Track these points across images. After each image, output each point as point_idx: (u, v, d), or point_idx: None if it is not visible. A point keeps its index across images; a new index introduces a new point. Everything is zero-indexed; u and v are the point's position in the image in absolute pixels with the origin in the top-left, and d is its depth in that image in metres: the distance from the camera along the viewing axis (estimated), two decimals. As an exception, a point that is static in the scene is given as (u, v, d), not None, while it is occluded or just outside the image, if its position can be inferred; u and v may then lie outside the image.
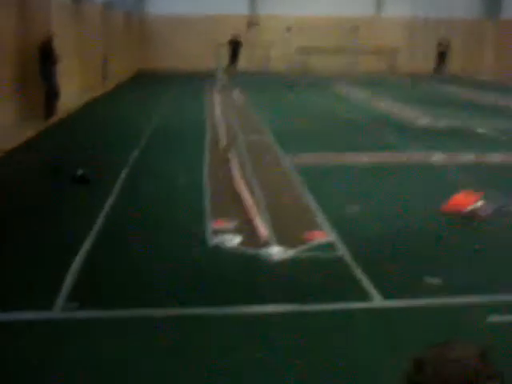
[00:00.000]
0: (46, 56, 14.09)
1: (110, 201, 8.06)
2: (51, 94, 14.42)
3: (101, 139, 12.57)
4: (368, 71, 31.02)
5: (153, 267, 5.95)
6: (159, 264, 6.03)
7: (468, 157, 10.97)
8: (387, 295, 5.35)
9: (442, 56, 32.64)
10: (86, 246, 6.41)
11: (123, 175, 9.44)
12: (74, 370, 4.15)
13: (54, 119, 14.42)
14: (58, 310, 4.98)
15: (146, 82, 25.10)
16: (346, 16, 32.00)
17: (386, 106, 18.27)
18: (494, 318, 4.95)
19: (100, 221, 7.24)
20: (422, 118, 15.63)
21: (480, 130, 14.03)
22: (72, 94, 16.88)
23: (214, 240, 6.56)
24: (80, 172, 8.98)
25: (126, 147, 11.50)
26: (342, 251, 6.33)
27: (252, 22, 32.08)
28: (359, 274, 5.78)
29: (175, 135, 13.07)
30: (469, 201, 7.65)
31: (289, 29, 31.71)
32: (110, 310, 5.04)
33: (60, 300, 5.14)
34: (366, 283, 5.57)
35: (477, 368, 1.36)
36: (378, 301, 5.27)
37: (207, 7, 30.85)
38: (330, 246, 6.47)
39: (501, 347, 4.51)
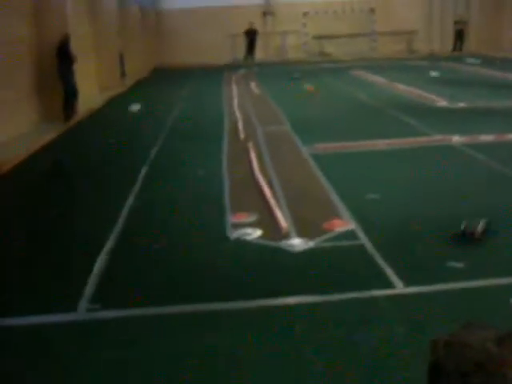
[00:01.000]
0: (63, 56, 14.20)
1: (130, 198, 8.12)
2: (70, 95, 14.53)
3: (121, 137, 12.65)
4: (386, 54, 30.80)
5: (172, 264, 5.99)
6: (178, 260, 6.07)
7: (489, 137, 10.86)
8: (409, 282, 5.34)
9: (459, 35, 32.30)
10: (109, 245, 6.47)
11: (143, 171, 9.51)
12: (103, 370, 4.21)
13: (75, 120, 14.53)
14: (83, 312, 5.05)
15: (163, 77, 25.16)
16: (362, -1, 31.81)
17: (406, 88, 18.13)
18: (518, 301, 4.93)
19: (121, 219, 7.30)
20: (441, 100, 15.49)
21: (501, 109, 13.89)
22: (91, 93, 16.98)
23: (234, 234, 6.59)
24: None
25: (146, 143, 11.58)
26: (363, 239, 6.32)
27: (267, 11, 31.97)
28: (381, 261, 5.77)
29: (194, 128, 13.13)
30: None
31: (265, 14, 31.53)
32: (134, 309, 5.08)
33: (83, 301, 5.20)
34: (388, 270, 5.56)
35: (490, 353, 1.35)
36: (400, 288, 5.26)
37: (222, -1, 30.87)
38: (350, 235, 6.46)
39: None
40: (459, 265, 5.64)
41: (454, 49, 32.18)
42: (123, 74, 22.48)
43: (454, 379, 1.33)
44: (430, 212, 7.19)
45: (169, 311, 5.03)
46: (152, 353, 4.39)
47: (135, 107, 16.09)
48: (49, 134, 12.78)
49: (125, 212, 7.59)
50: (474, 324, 1.49)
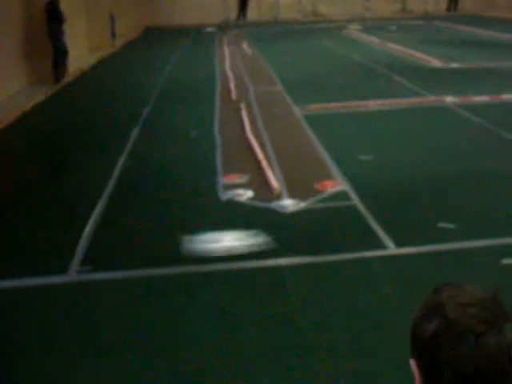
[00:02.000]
0: (53, 16, 13.98)
1: (122, 159, 8.07)
2: (60, 55, 14.34)
3: (112, 98, 12.53)
4: (380, 14, 30.48)
5: (164, 225, 5.98)
6: (170, 222, 6.05)
7: (482, 97, 10.81)
8: (401, 242, 5.34)
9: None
10: (100, 206, 6.44)
11: (135, 132, 9.44)
12: (94, 331, 4.22)
13: (65, 81, 14.37)
14: (74, 273, 5.04)
15: (154, 38, 24.87)
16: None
17: (399, 48, 17.98)
18: (508, 261, 4.93)
19: (112, 181, 7.25)
20: (435, 60, 15.37)
21: (495, 70, 13.81)
22: (81, 54, 16.78)
23: (226, 195, 6.57)
24: None
25: (138, 104, 11.48)
26: (355, 200, 6.30)
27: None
28: (372, 222, 5.76)
29: (186, 89, 13.01)
30: None
31: None
32: (125, 271, 5.08)
33: (74, 263, 5.19)
34: (380, 231, 5.56)
35: (493, 310, 1.33)
36: (391, 248, 5.27)
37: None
38: (342, 196, 6.45)
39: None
40: (450, 225, 5.64)
41: (449, 8, 31.88)
42: (114, 35, 22.18)
43: (470, 340, 1.31)
44: (422, 173, 7.17)
45: (160, 272, 5.02)
46: (144, 313, 4.40)
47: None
48: (39, 95, 12.65)
49: (116, 173, 7.54)
50: (460, 283, 1.46)
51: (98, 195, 6.74)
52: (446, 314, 1.30)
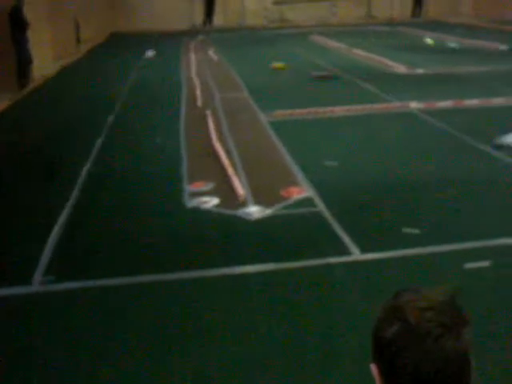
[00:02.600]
0: (16, 22, 13.84)
1: (85, 168, 7.99)
2: (24, 62, 14.20)
3: (77, 106, 12.43)
4: (346, 20, 30.68)
5: (130, 233, 5.93)
6: (136, 229, 6.02)
7: (446, 103, 10.93)
8: (365, 248, 5.37)
9: (418, 0, 32.30)
10: (64, 216, 6.37)
11: (100, 139, 9.36)
12: (54, 343, 4.17)
13: (29, 88, 14.23)
14: (37, 285, 4.97)
15: (120, 44, 24.74)
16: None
17: (365, 55, 18.11)
18: (470, 265, 4.99)
19: (76, 190, 7.18)
20: (400, 66, 15.51)
21: (459, 75, 13.97)
22: (45, 61, 16.62)
23: (192, 202, 6.55)
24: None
25: (103, 111, 11.40)
26: (320, 206, 6.33)
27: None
28: (338, 228, 5.79)
29: (151, 96, 12.95)
30: None
31: None
32: (89, 280, 5.02)
33: (38, 274, 5.12)
34: (344, 237, 5.59)
35: (451, 314, 1.36)
36: (356, 254, 5.29)
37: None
38: (308, 202, 6.47)
39: (476, 292, 4.57)
40: (415, 231, 5.69)
41: (414, 14, 32.20)
42: (79, 41, 22.04)
43: (429, 344, 1.34)
44: (387, 178, 7.22)
45: (126, 282, 4.99)
46: (107, 323, 4.36)
47: (150, 53, 17.03)
48: (3, 102, 12.50)
49: (81, 181, 7.48)
50: (420, 287, 1.49)
51: (61, 204, 6.67)
52: (405, 318, 1.33)
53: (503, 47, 18.65)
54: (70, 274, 5.12)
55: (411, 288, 1.46)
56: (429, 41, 18.55)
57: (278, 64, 16.53)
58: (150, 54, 17.24)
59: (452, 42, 20.28)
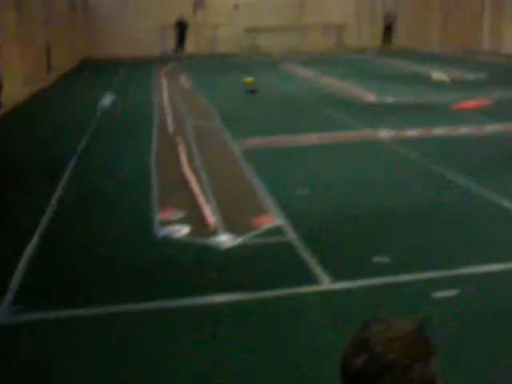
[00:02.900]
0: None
1: (56, 195, 7.93)
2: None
3: (47, 131, 12.35)
4: (317, 48, 31.03)
5: (100, 262, 5.88)
6: (105, 259, 5.97)
7: (415, 131, 11.06)
8: (336, 277, 5.38)
9: (388, 29, 32.80)
10: (32, 245, 6.30)
11: (70, 166, 9.30)
12: (23, 372, 4.10)
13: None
14: (4, 314, 4.90)
15: (92, 69, 24.71)
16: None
17: (334, 83, 18.30)
18: (438, 294, 5.02)
19: (46, 218, 7.11)
20: (370, 94, 15.70)
21: (428, 104, 14.16)
22: (16, 86, 16.52)
23: (162, 231, 6.52)
24: None
25: (73, 138, 11.33)
26: (291, 235, 6.33)
27: (198, 3, 31.74)
28: (308, 257, 5.79)
29: (122, 123, 12.94)
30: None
31: (236, 6, 31.40)
32: (58, 311, 4.96)
33: (5, 303, 5.05)
34: (315, 266, 5.59)
35: (418, 344, 1.36)
36: (326, 283, 5.30)
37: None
38: (278, 231, 6.47)
39: (445, 321, 4.60)
40: (385, 259, 5.72)
41: (383, 43, 32.67)
42: (50, 67, 21.96)
43: (396, 374, 1.34)
44: (358, 207, 7.26)
45: (94, 312, 4.93)
46: (75, 353, 4.30)
47: (107, 100, 14.93)
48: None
49: (50, 208, 7.40)
50: (388, 317, 1.50)
51: (31, 231, 6.59)
52: (372, 348, 1.33)
53: (471, 76, 18.97)
54: (38, 304, 5.06)
55: (379, 318, 1.47)
56: (436, 76, 18.40)
57: (248, 78, 18.52)
58: (107, 99, 15.16)
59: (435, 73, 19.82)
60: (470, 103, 13.79)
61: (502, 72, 20.76)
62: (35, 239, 6.42)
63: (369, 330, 1.42)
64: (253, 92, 16.70)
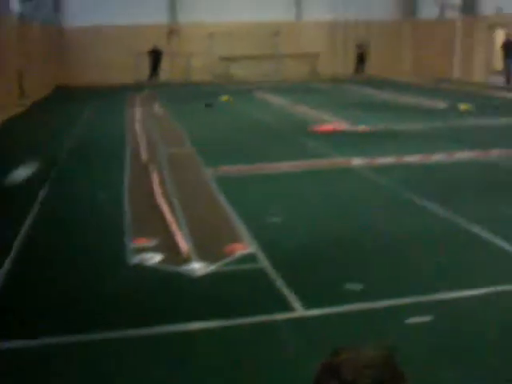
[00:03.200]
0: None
1: (26, 224, 7.85)
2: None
3: (20, 158, 12.25)
4: (290, 77, 31.29)
5: (72, 291, 5.83)
6: (78, 287, 5.92)
7: (387, 159, 11.16)
8: (309, 304, 5.38)
9: (361, 58, 33.21)
10: (3, 271, 6.23)
11: (41, 195, 9.24)
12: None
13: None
14: (-29, 343, 4.83)
15: (65, 97, 24.66)
16: (268, 21, 32.16)
17: (308, 111, 18.44)
18: (412, 320, 5.04)
19: (16, 247, 7.04)
20: (342, 123, 15.83)
21: (400, 132, 14.32)
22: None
23: (134, 259, 6.48)
24: None
25: (46, 166, 11.25)
26: (264, 262, 6.33)
27: (172, 32, 31.90)
28: (281, 284, 5.79)
29: (95, 150, 12.89)
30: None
31: (172, 31, 31.56)
32: (31, 340, 4.90)
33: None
34: (288, 294, 5.59)
35: (388, 371, 1.37)
36: (299, 311, 5.30)
37: (127, 17, 30.49)
38: (251, 258, 6.47)
39: (417, 347, 4.62)
40: (358, 286, 5.73)
41: (356, 72, 33.04)
42: (22, 93, 21.87)
43: None
44: (330, 234, 7.30)
45: (63, 341, 4.87)
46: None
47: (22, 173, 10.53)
48: None
49: (21, 236, 7.34)
50: (359, 345, 1.51)
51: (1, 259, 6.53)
52: (343, 376, 1.33)
53: (442, 105, 19.24)
54: (4, 334, 4.99)
55: (349, 346, 1.48)
56: (464, 107, 18.44)
57: (224, 97, 20.06)
58: (20, 173, 10.44)
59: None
60: (328, 127, 14.97)
61: (471, 101, 21.10)
62: (5, 267, 6.35)
63: (339, 356, 1.42)
64: (209, 105, 19.43)
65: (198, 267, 6.19)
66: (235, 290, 5.77)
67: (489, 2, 27.33)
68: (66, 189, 9.70)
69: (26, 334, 4.99)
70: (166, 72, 31.17)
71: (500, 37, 27.14)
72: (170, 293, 5.76)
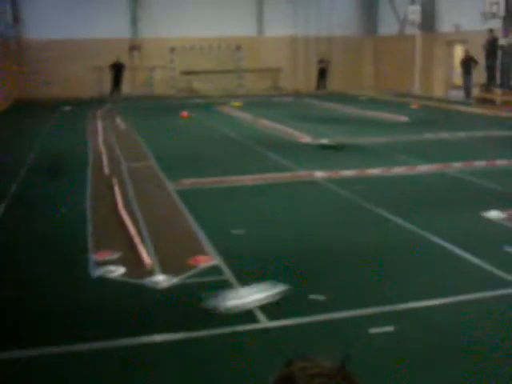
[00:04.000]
0: None
1: (-13, 237, 7.77)
2: None
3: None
4: (252, 91, 31.41)
5: (34, 303, 5.77)
6: (41, 300, 5.85)
7: (349, 172, 11.27)
8: (272, 315, 5.40)
9: (322, 73, 33.49)
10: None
11: (2, 208, 9.12)
12: None
13: None
14: None
15: (25, 111, 24.37)
16: (229, 36, 32.30)
17: (270, 125, 18.52)
18: (375, 330, 5.09)
19: (-24, 260, 6.96)
20: (305, 136, 15.93)
21: (360, 145, 14.46)
22: None
23: (97, 272, 6.43)
24: None
25: (6, 179, 11.13)
26: (227, 274, 6.34)
27: (134, 46, 31.84)
28: (245, 296, 5.80)
29: (56, 164, 12.74)
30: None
31: (132, 47, 31.61)
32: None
33: None
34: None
35: (341, 381, 1.38)
36: (263, 322, 5.31)
37: (88, 31, 30.34)
38: (214, 270, 6.47)
39: (380, 356, 4.66)
40: (321, 297, 5.77)
41: (318, 87, 33.31)
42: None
43: None
44: (292, 245, 7.34)
45: (23, 354, 4.81)
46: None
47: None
48: None
49: (-20, 251, 7.25)
50: (311, 356, 1.53)
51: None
52: None
53: (403, 118, 19.51)
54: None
55: (304, 356, 1.49)
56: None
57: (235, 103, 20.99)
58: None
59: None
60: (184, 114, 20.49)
61: (430, 115, 21.41)
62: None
63: (293, 366, 1.44)
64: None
65: (161, 279, 6.17)
66: (199, 302, 5.76)
67: (447, 19, 27.85)
68: (26, 203, 9.58)
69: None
70: (128, 86, 31.06)
71: (459, 53, 27.65)
72: (133, 305, 5.73)
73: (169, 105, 26.21)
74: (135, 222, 8.16)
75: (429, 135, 15.98)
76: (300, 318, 5.39)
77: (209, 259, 6.76)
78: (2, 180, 11.16)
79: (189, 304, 5.73)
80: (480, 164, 11.90)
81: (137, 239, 7.33)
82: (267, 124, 18.78)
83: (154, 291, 5.98)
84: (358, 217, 8.58)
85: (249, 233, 7.83)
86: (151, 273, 6.36)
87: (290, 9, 33.03)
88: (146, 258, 6.69)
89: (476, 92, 25.53)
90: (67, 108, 24.46)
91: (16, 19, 30.13)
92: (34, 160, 13.30)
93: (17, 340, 5.06)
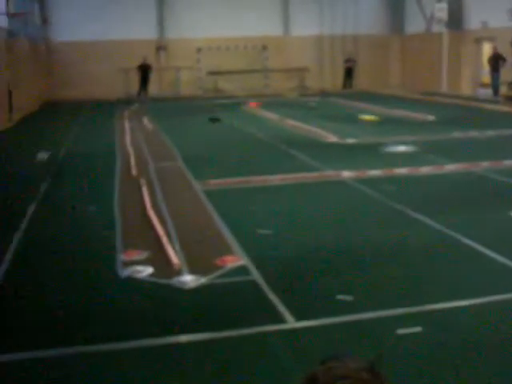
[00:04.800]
0: None
1: (17, 237, 7.84)
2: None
3: (10, 174, 12.25)
4: (279, 91, 31.37)
5: (64, 303, 5.83)
6: (70, 299, 5.91)
7: (376, 171, 11.21)
8: (300, 316, 5.40)
9: (349, 72, 33.39)
10: (-7, 287, 6.23)
11: (32, 209, 9.22)
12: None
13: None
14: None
15: (54, 112, 24.62)
16: (255, 36, 32.33)
17: (297, 125, 18.49)
18: (403, 331, 5.06)
19: (8, 258, 7.04)
20: (331, 135, 15.89)
21: (388, 145, 14.38)
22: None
23: (125, 272, 6.48)
24: None
25: (36, 179, 11.26)
26: (255, 275, 6.35)
27: (160, 46, 32.00)
28: (272, 296, 5.81)
29: (85, 165, 12.88)
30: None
31: (159, 48, 31.77)
32: (21, 352, 4.89)
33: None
34: (279, 305, 5.60)
35: (366, 382, 1.38)
36: (291, 322, 5.31)
37: (115, 33, 30.59)
38: (242, 271, 6.48)
39: (409, 357, 4.64)
40: (348, 297, 5.75)
41: (344, 86, 33.20)
42: (11, 109, 21.82)
43: None
44: (321, 245, 7.31)
45: (57, 354, 4.86)
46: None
47: (43, 155, 13.81)
48: None
49: (12, 250, 7.33)
50: (341, 355, 1.53)
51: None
52: None
53: (430, 117, 19.37)
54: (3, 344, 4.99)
55: (337, 355, 1.49)
56: (368, 118, 18.74)
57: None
58: (42, 155, 13.75)
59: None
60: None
61: (460, 113, 21.21)
62: (-4, 282, 6.35)
63: (322, 366, 1.44)
64: (215, 120, 19.44)
65: (189, 280, 6.20)
66: (226, 303, 5.78)
67: (474, 17, 27.60)
68: (55, 204, 9.67)
69: (18, 347, 4.98)
70: (155, 87, 31.22)
71: (487, 50, 27.37)
72: (160, 305, 5.76)
73: (195, 105, 26.29)
74: (163, 222, 8.20)
75: (457, 134, 15.85)
76: (327, 319, 5.37)
77: (236, 259, 6.78)
78: (32, 180, 11.27)
79: (216, 304, 5.75)
80: (509, 163, 11.77)
81: (164, 239, 7.37)
82: (294, 124, 18.74)
83: (181, 291, 6.01)
84: (386, 217, 8.53)
85: (277, 233, 7.83)
86: (179, 273, 6.39)
87: (315, 8, 32.99)
88: (174, 258, 6.73)
89: (504, 90, 25.26)
90: (95, 109, 24.64)
91: (44, 21, 30.44)
92: (62, 160, 13.41)
93: (50, 339, 5.12)
